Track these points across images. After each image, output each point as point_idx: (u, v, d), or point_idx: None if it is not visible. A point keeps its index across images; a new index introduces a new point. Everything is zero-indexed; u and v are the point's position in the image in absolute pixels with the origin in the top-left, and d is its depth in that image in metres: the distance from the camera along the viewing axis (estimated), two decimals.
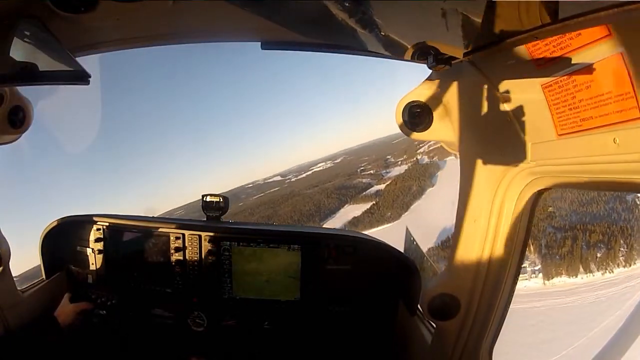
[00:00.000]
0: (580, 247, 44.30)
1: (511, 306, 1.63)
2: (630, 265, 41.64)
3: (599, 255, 43.26)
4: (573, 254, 43.97)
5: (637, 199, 45.33)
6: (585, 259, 43.42)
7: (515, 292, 1.59)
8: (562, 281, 42.15)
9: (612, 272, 41.52)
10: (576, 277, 42.50)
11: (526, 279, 40.94)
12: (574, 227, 46.55)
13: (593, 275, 41.92)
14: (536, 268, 43.17)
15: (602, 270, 42.26)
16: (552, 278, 42.62)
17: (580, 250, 44.07)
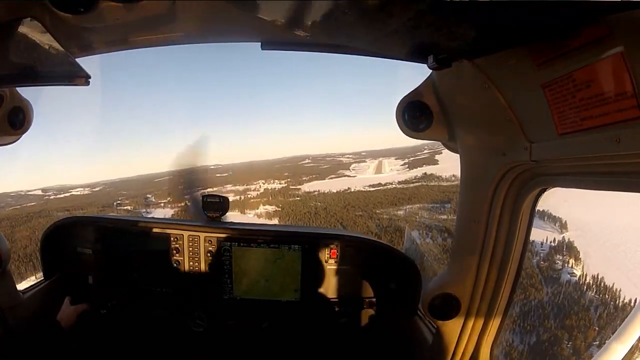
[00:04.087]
0: (583, 351, 29.17)
1: None
2: None
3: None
4: None
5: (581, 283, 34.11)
6: None
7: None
8: None
9: None
10: None
11: None
12: (541, 323, 32.06)
13: None
14: None
15: None
16: None
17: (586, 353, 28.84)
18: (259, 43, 1.64)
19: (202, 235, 2.48)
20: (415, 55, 1.15)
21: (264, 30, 1.55)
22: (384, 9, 0.88)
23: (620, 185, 1.00)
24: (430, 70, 1.34)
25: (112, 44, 1.63)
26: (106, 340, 2.48)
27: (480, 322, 1.66)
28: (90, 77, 1.36)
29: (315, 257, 2.44)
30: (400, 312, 2.41)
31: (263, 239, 2.45)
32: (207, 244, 2.48)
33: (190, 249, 2.49)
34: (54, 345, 2.02)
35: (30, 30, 1.17)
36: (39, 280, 2.53)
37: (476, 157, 1.47)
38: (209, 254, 2.48)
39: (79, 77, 1.35)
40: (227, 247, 2.47)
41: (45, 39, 1.21)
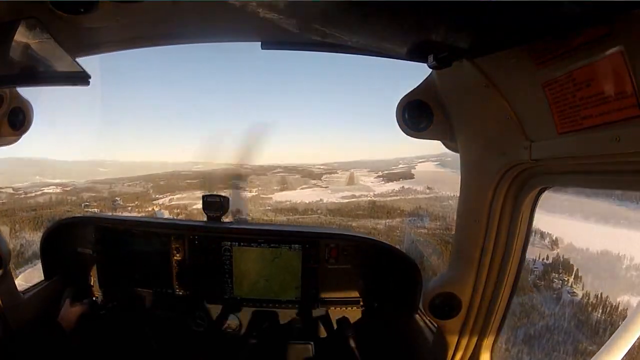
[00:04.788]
0: None
1: None
2: None
3: None
4: None
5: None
6: None
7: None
8: None
9: None
10: None
11: None
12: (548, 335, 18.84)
13: None
14: None
15: None
16: None
17: None
18: (259, 43, 1.65)
19: (203, 235, 2.49)
20: (415, 54, 1.15)
21: (264, 30, 1.55)
22: (384, 8, 0.89)
23: (621, 184, 1.00)
24: (430, 70, 1.34)
25: (112, 44, 1.63)
26: (107, 340, 2.49)
27: (481, 321, 1.66)
28: (90, 77, 1.36)
29: (315, 257, 2.45)
30: (400, 311, 2.41)
31: (263, 239, 2.45)
32: (208, 244, 2.48)
33: (191, 248, 2.49)
34: (54, 345, 2.02)
35: (30, 30, 1.17)
36: (39, 280, 2.54)
37: (476, 157, 1.47)
38: (209, 254, 2.48)
39: (79, 77, 1.35)
40: (228, 246, 2.47)
41: (45, 39, 1.21)
